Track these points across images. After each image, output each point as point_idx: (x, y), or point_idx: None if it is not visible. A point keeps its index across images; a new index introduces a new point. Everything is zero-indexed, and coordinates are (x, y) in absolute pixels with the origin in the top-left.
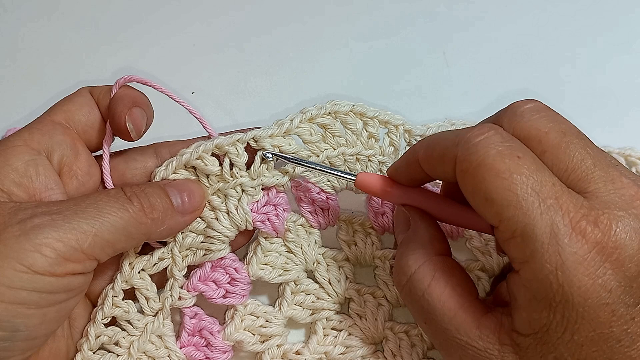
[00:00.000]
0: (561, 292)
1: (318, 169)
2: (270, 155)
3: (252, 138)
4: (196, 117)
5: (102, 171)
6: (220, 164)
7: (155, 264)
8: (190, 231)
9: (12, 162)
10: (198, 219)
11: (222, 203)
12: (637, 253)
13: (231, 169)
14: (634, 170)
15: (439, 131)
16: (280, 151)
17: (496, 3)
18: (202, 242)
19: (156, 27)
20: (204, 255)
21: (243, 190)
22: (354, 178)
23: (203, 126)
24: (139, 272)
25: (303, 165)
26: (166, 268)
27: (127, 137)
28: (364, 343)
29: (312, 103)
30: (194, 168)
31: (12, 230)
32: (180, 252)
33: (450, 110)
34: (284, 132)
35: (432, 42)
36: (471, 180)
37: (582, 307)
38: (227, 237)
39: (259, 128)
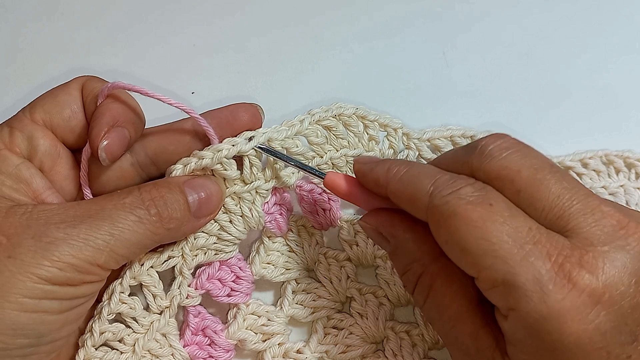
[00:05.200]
0: (550, 340)
1: (291, 164)
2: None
3: (267, 140)
4: (185, 111)
5: (80, 182)
6: (237, 165)
7: (164, 261)
8: (203, 232)
9: (3, 169)
10: (212, 221)
11: (236, 206)
12: (628, 288)
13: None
14: (632, 172)
15: (414, 161)
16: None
17: (496, 4)
18: (214, 243)
19: (156, 28)
20: (215, 255)
21: (257, 192)
22: (323, 177)
23: (197, 120)
24: (147, 269)
25: (277, 157)
26: (174, 266)
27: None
28: (364, 342)
29: (312, 104)
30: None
31: (27, 244)
32: (191, 252)
33: (450, 110)
34: (295, 134)
35: (432, 42)
36: (445, 231)
37: (574, 353)
38: (240, 239)
39: (254, 109)
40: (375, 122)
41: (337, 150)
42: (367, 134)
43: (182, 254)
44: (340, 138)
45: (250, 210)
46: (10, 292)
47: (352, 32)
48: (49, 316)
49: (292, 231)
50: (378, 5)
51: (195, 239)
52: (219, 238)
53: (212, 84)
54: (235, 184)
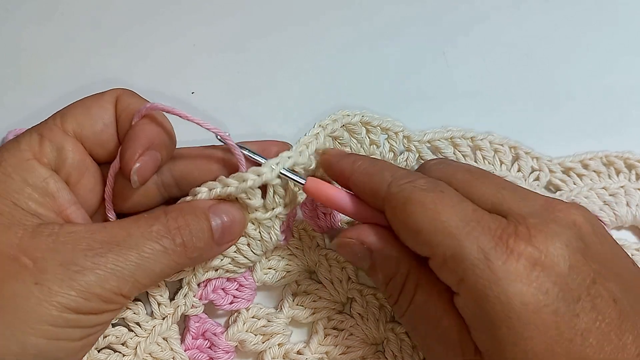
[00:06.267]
0: (499, 304)
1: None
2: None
3: (293, 164)
4: (222, 138)
5: (105, 196)
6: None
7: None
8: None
9: (31, 182)
10: None
11: (255, 230)
12: (562, 252)
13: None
14: (633, 173)
15: (373, 158)
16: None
17: (497, 5)
18: (229, 264)
19: (156, 28)
20: (226, 272)
21: (277, 217)
22: (304, 183)
23: (231, 148)
24: None
25: (254, 159)
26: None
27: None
28: (365, 343)
29: (312, 105)
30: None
31: (54, 271)
32: (202, 269)
33: (450, 111)
34: (315, 152)
35: (433, 44)
36: (400, 216)
37: (524, 314)
38: (255, 262)
39: (286, 148)
40: (378, 127)
41: None
42: (369, 138)
43: (194, 269)
44: (343, 145)
45: (269, 234)
46: (35, 320)
47: (352, 33)
48: (69, 343)
49: (293, 236)
50: (378, 6)
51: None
52: (233, 260)
53: (212, 84)
54: (257, 211)
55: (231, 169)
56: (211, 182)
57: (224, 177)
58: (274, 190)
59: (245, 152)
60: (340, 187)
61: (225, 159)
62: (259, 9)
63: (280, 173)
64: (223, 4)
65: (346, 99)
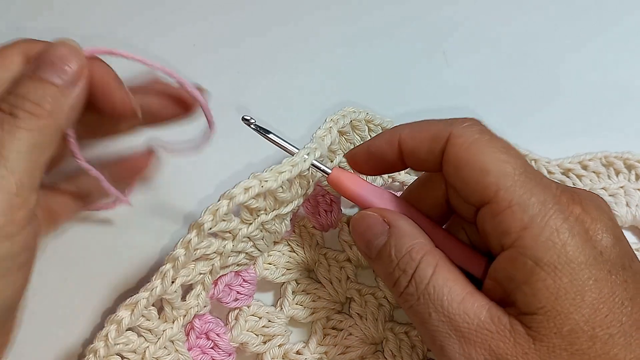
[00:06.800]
0: (564, 252)
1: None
2: (256, 128)
3: (311, 164)
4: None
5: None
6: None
7: (195, 275)
8: (234, 251)
9: None
10: (246, 240)
11: (275, 225)
12: (608, 222)
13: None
14: (632, 173)
15: None
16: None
17: (498, 5)
18: (244, 258)
19: (156, 27)
20: (237, 266)
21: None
22: (329, 172)
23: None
24: (177, 288)
25: (279, 145)
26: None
27: (134, 121)
28: (363, 343)
29: (313, 105)
30: None
31: None
32: (221, 269)
33: (451, 110)
34: (329, 147)
35: (432, 42)
36: (466, 154)
37: (585, 266)
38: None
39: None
40: (379, 126)
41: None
42: (370, 137)
43: (211, 270)
44: (349, 142)
45: (282, 225)
46: None
47: (352, 32)
48: None
49: (294, 232)
50: (378, 4)
51: (228, 257)
52: (247, 254)
53: (212, 83)
54: (286, 206)
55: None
56: (246, 180)
57: (257, 173)
58: (299, 183)
59: (276, 139)
60: (364, 178)
61: (163, 92)
62: (258, 8)
63: (311, 164)
64: (223, 3)
65: (346, 97)
